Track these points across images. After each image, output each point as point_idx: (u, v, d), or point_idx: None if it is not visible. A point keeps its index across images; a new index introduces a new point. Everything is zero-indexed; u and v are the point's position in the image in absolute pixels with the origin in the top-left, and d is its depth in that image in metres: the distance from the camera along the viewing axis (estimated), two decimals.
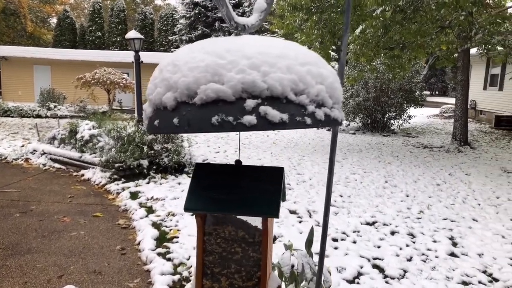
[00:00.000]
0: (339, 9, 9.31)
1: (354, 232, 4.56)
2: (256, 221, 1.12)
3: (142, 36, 10.13)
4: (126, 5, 42.30)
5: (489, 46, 10.00)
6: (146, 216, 4.95)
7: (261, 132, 14.58)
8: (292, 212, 5.14)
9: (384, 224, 4.86)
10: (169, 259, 3.81)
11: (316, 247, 3.86)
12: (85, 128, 7.87)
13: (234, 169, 1.13)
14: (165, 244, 4.15)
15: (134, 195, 5.82)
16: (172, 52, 29.04)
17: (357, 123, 16.04)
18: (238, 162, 1.14)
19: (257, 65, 0.82)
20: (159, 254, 3.91)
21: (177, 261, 3.77)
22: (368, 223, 4.89)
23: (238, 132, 0.96)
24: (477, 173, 8.34)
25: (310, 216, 5.06)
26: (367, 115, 15.39)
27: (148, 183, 6.43)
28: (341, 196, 6.03)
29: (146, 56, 18.44)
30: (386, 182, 7.17)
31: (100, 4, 40.09)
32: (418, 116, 19.60)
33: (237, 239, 1.12)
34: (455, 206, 5.83)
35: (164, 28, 40.89)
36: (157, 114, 0.87)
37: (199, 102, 0.81)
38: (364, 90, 15.01)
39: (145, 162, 6.77)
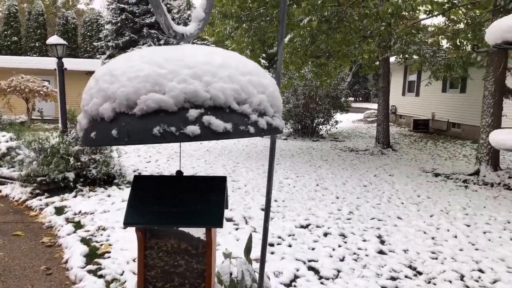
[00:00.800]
0: (268, 18, 9.53)
1: (290, 235, 4.67)
2: (199, 232, 1.11)
3: (65, 42, 9.60)
4: (45, 9, 39.83)
5: (406, 55, 10.79)
6: (74, 232, 4.66)
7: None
8: (229, 219, 5.14)
9: (318, 226, 5.02)
10: (100, 276, 3.62)
11: (255, 253, 3.89)
12: (1, 140, 7.26)
13: (175, 180, 1.11)
14: (96, 260, 3.94)
15: (59, 210, 5.46)
16: (97, 58, 27.77)
17: (288, 129, 16.48)
18: (179, 172, 1.12)
19: (199, 75, 0.81)
20: (89, 271, 3.70)
21: (110, 277, 3.59)
22: (302, 226, 5.02)
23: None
24: (399, 174, 8.93)
25: (247, 222, 5.08)
26: (297, 121, 15.87)
27: (75, 196, 6.08)
28: (275, 201, 6.14)
29: (70, 63, 17.48)
30: (317, 185, 7.43)
31: (16, 8, 37.36)
32: (344, 121, 20.57)
33: (180, 252, 1.09)
34: (381, 206, 6.19)
35: (88, 33, 39.06)
36: (94, 126, 0.83)
37: (139, 112, 0.79)
38: (294, 97, 15.47)
39: (71, 175, 6.39)
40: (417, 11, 13.43)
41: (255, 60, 12.50)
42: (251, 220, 5.15)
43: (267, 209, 1.59)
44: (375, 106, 21.20)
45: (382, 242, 4.60)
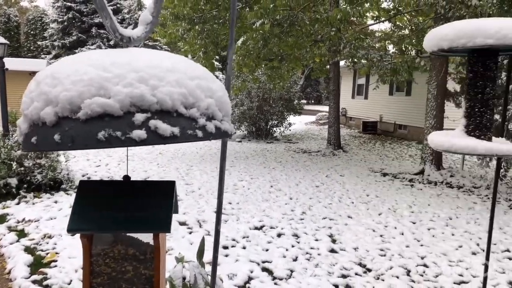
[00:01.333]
0: (221, 21, 9.53)
1: (244, 238, 4.69)
2: (147, 238, 1.09)
3: (6, 41, 9.09)
4: None
5: (355, 59, 11.16)
6: (17, 241, 4.43)
7: None
8: (182, 223, 5.08)
9: (271, 227, 5.08)
10: (46, 286, 3.46)
11: (208, 256, 3.87)
12: None
13: (122, 185, 1.09)
14: (41, 270, 3.76)
15: (1, 219, 5.16)
16: (42, 58, 26.44)
17: (243, 131, 16.54)
18: (126, 177, 1.10)
19: (145, 79, 0.80)
20: (34, 281, 3.53)
21: (57, 287, 3.44)
22: (256, 228, 5.06)
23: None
24: (350, 174, 9.21)
25: (200, 226, 5.05)
26: (251, 123, 15.97)
27: (18, 203, 5.76)
28: (230, 203, 6.14)
29: (12, 63, 16.55)
30: (271, 186, 7.51)
31: None
32: (297, 123, 20.94)
33: (128, 258, 1.08)
34: (333, 206, 6.36)
35: (32, 32, 37.17)
36: (35, 131, 0.80)
37: (83, 117, 0.77)
38: (248, 100, 15.54)
39: (13, 181, 6.05)
40: (365, 17, 13.96)
41: (209, 62, 12.47)
42: (205, 224, 5.12)
43: (218, 212, 1.59)
44: (326, 108, 21.75)
45: (334, 241, 4.73)
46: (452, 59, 9.78)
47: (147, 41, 19.18)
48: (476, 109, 1.32)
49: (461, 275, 3.95)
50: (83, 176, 7.69)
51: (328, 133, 13.51)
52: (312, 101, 41.05)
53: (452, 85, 10.18)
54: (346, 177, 8.80)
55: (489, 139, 1.34)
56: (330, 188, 7.66)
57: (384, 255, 4.36)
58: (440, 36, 1.28)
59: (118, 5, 20.23)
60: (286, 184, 7.81)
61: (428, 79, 9.45)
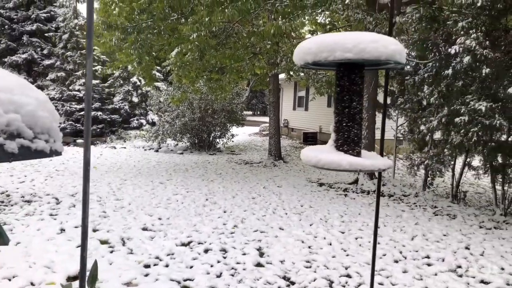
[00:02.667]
0: (155, 31, 9.33)
1: (168, 255, 4.51)
2: None
3: None
4: None
5: (292, 72, 11.36)
6: None
7: (80, 155, 13.48)
8: (104, 242, 4.80)
9: (199, 243, 4.94)
10: None
11: (126, 276, 3.67)
12: None
13: None
14: None
15: None
16: None
17: (185, 142, 16.29)
18: None
19: None
20: None
21: None
22: (183, 244, 4.90)
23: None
24: (287, 185, 9.28)
25: (124, 244, 4.81)
26: (193, 134, 15.77)
27: None
28: (160, 219, 5.93)
29: None
30: (207, 200, 7.37)
31: None
32: (241, 134, 20.97)
33: None
34: (266, 217, 6.33)
35: None
36: None
37: None
38: (189, 111, 15.34)
39: None
40: (302, 31, 14.29)
41: (147, 73, 12.16)
42: (130, 241, 4.88)
43: (83, 239, 1.45)
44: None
45: (261, 255, 4.68)
46: (380, 72, 10.21)
47: (83, 50, 18.42)
48: (344, 124, 1.31)
49: (381, 284, 4.02)
50: (1, 193, 7.13)
51: (269, 144, 13.61)
52: (258, 112, 41.43)
53: (382, 97, 10.62)
54: (283, 188, 8.85)
55: (358, 154, 1.32)
56: (266, 199, 7.65)
57: (310, 267, 4.36)
58: (304, 50, 1.26)
59: (52, 13, 19.32)
60: (223, 196, 7.70)
61: None
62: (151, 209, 6.47)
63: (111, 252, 4.50)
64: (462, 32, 6.19)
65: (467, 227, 6.39)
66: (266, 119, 35.05)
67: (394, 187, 9.29)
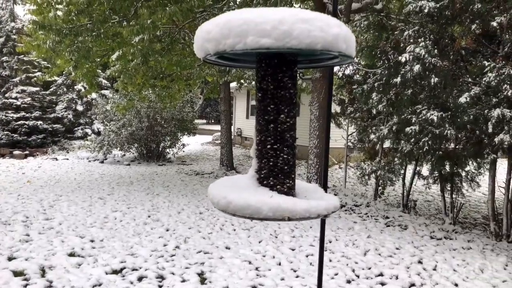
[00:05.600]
0: (94, 33, 8.67)
1: (95, 286, 3.94)
2: None
3: None
4: None
5: (242, 80, 11.02)
6: None
7: (16, 168, 12.41)
8: (18, 273, 4.15)
9: (134, 269, 4.40)
10: None
11: None
12: None
13: None
14: None
15: None
16: None
17: (133, 153, 15.50)
18: None
19: None
20: None
21: None
22: (115, 271, 4.34)
23: None
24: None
25: (43, 274, 4.17)
26: (141, 144, 15.02)
27: None
28: (92, 241, 5.31)
29: None
30: (149, 217, 6.80)
31: None
32: (193, 143, 20.35)
33: None
34: (212, 235, 5.87)
35: None
36: None
37: None
38: (136, 119, 14.60)
39: None
40: None
41: (88, 80, 11.38)
42: (51, 271, 4.25)
43: None
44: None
45: (203, 280, 4.22)
46: (334, 80, 10.08)
47: (22, 55, 17.16)
48: (269, 146, 0.92)
49: None
50: None
51: (221, 154, 13.17)
52: (212, 121, 40.85)
53: (333, 106, 10.49)
54: None
55: (289, 189, 0.94)
56: (214, 214, 7.18)
57: None
58: (203, 35, 0.85)
59: None
60: (167, 212, 7.16)
61: (311, 100, 9.59)
62: (84, 230, 5.82)
63: (25, 286, 3.86)
64: (411, 40, 6.10)
65: (419, 238, 6.26)
66: (220, 127, 34.53)
67: (345, 196, 9.13)
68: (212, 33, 0.82)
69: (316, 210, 0.87)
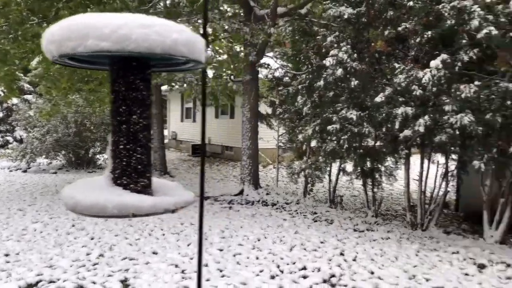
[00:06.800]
0: (11, 36, 8.17)
1: None
2: None
3: None
4: None
5: (173, 83, 10.91)
6: None
7: None
8: None
9: (51, 282, 4.21)
10: None
11: None
12: None
13: None
14: None
15: None
16: None
17: (60, 160, 14.73)
18: None
19: None
20: None
21: None
22: (29, 285, 4.12)
23: None
24: None
25: None
26: (69, 151, 14.32)
27: None
28: (7, 255, 5.00)
29: None
30: (73, 226, 6.52)
31: None
32: None
33: None
34: (140, 241, 5.77)
35: None
36: None
37: None
38: (63, 125, 13.90)
39: None
40: None
41: (7, 84, 10.67)
42: None
43: None
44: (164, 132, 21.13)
45: (126, 287, 4.14)
46: (263, 82, 10.32)
47: None
48: (122, 146, 0.96)
49: None
50: None
51: (154, 159, 12.90)
52: None
53: (265, 108, 10.73)
54: None
55: (144, 188, 0.98)
56: (143, 220, 7.03)
57: None
58: (47, 37, 0.88)
59: None
60: (93, 221, 6.90)
61: (242, 102, 9.73)
62: None
63: None
64: (334, 45, 6.41)
65: (343, 232, 6.58)
66: (152, 131, 33.79)
67: (277, 195, 9.35)
68: (55, 36, 0.85)
69: (162, 205, 0.93)
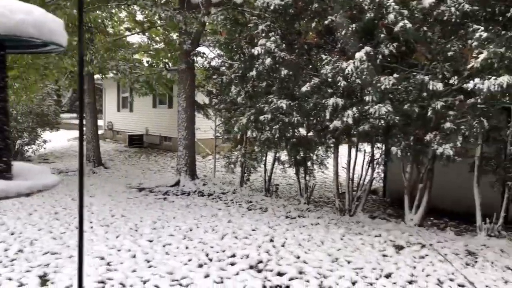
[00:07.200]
0: None
1: None
2: None
3: None
4: None
5: (104, 71, 10.51)
6: None
7: None
8: None
9: None
10: None
11: None
12: None
13: None
14: None
15: None
16: None
17: None
18: None
19: None
20: None
21: None
22: None
23: None
24: (102, 193, 8.48)
25: None
26: None
27: None
28: None
29: None
30: None
31: None
32: (59, 140, 18.77)
33: None
34: (66, 235, 5.54)
35: None
36: None
37: None
38: None
39: None
40: (120, 28, 13.45)
41: None
42: None
43: None
44: (99, 122, 20.27)
45: (44, 282, 3.97)
46: (201, 71, 10.22)
47: None
48: None
49: None
50: None
51: (87, 150, 12.38)
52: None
53: (202, 98, 10.64)
54: (96, 198, 8.04)
55: (0, 173, 0.95)
56: (72, 213, 6.77)
57: None
58: None
59: None
60: (15, 215, 6.54)
61: (178, 92, 9.58)
62: None
63: None
64: (263, 35, 6.47)
65: (275, 219, 6.74)
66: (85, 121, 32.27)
67: (214, 185, 9.37)
68: None
69: (16, 189, 0.91)
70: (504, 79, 4.13)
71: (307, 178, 7.98)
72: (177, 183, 9.44)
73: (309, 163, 7.79)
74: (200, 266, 4.50)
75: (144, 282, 4.01)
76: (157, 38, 12.68)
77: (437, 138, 5.03)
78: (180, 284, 4.00)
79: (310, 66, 6.78)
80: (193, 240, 5.43)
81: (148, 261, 4.58)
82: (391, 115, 5.28)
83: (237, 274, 4.30)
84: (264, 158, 8.72)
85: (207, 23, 7.79)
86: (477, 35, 4.36)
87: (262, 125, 7.03)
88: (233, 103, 8.55)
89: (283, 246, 5.29)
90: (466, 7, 4.43)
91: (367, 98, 5.33)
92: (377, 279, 4.27)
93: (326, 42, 6.84)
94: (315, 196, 9.68)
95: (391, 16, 4.62)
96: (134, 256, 4.74)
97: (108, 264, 4.47)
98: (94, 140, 12.24)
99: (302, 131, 7.68)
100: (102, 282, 4.00)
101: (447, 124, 5.10)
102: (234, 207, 7.59)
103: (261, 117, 6.67)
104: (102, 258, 4.64)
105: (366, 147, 7.41)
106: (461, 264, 4.79)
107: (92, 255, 4.75)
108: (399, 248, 5.38)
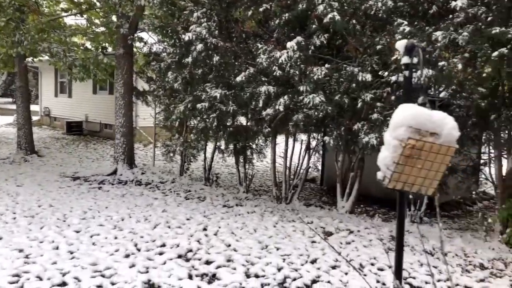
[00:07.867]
0: None
1: None
2: None
3: None
4: None
5: (36, 54, 9.92)
6: None
7: None
8: None
9: None
10: None
11: None
12: None
13: None
14: None
15: None
16: None
17: None
18: None
19: None
20: None
21: None
22: None
23: None
24: (32, 183, 8.05)
25: None
26: None
27: None
28: None
29: None
30: None
31: None
32: None
33: None
34: None
35: None
36: None
37: None
38: None
39: None
40: (57, 8, 12.71)
41: None
42: None
43: None
44: (37, 107, 19.20)
45: None
46: (140, 57, 9.92)
47: None
48: None
49: (99, 286, 3.68)
50: None
51: (18, 137, 11.69)
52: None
53: (142, 84, 10.34)
54: (24, 187, 7.62)
55: None
56: None
57: (17, 282, 3.67)
58: None
59: None
60: None
61: (115, 77, 9.24)
62: None
63: None
64: (200, 21, 6.36)
65: (212, 208, 6.72)
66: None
67: (153, 174, 9.18)
68: None
69: None
70: (423, 72, 4.34)
71: (247, 167, 8.03)
72: (114, 172, 9.15)
73: (248, 152, 7.82)
74: (127, 256, 4.40)
75: (64, 275, 3.85)
76: (97, 21, 12.12)
77: (364, 128, 5.21)
78: (103, 275, 3.88)
79: (249, 56, 6.76)
80: (123, 230, 5.30)
81: (72, 253, 4.41)
82: (324, 105, 5.40)
83: (164, 263, 4.24)
84: (204, 147, 8.65)
85: (145, 7, 7.52)
86: (401, 29, 4.53)
87: (200, 113, 6.95)
88: (172, 90, 8.38)
89: (215, 234, 5.29)
90: (389, 3, 4.59)
91: (301, 88, 5.41)
92: (302, 264, 4.38)
93: (264, 31, 6.85)
94: (256, 185, 9.78)
95: (320, 8, 4.70)
96: (57, 248, 4.55)
97: (27, 256, 4.25)
98: (26, 126, 11.55)
99: (243, 120, 7.70)
100: (17, 275, 3.79)
101: (375, 115, 5.30)
102: (172, 196, 7.48)
103: (199, 105, 6.59)
104: (21, 251, 4.40)
105: (303, 136, 7.56)
106: (384, 249, 5.03)
107: (11, 247, 4.49)
108: (328, 234, 5.57)
